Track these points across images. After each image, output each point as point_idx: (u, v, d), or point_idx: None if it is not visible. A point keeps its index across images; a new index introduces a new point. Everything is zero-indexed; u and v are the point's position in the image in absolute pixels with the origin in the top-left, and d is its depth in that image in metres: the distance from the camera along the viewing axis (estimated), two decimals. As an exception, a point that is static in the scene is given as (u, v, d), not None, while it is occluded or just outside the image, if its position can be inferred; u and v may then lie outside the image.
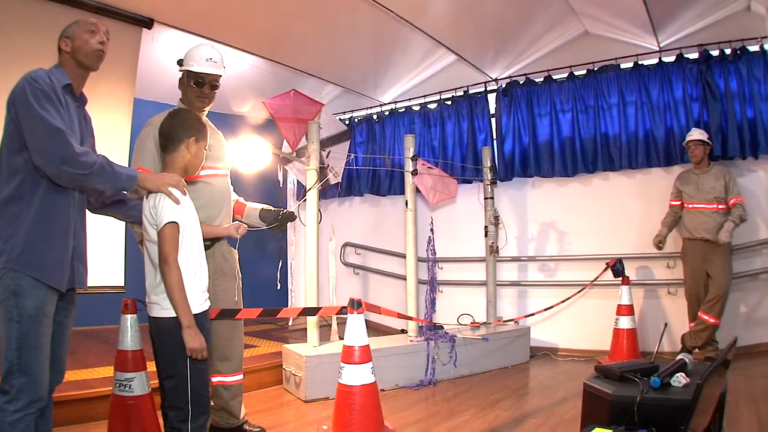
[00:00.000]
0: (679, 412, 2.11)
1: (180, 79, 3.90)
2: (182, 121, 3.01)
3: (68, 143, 2.51)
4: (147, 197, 2.81)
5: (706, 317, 6.02)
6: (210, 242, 3.82)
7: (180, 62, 3.85)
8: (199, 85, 3.81)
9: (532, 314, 7.09)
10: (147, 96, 7.28)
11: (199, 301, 2.87)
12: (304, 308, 4.61)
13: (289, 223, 4.35)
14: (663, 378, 2.68)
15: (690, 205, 6.26)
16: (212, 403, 3.89)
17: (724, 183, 6.15)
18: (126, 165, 5.59)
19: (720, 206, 6.11)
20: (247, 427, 4.11)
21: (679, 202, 6.36)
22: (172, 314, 2.73)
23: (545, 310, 6.95)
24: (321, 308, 4.69)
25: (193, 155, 3.01)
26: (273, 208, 4.27)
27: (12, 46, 5.10)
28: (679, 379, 2.70)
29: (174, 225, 2.75)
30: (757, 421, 4.15)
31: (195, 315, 2.78)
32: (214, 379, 3.94)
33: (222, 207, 3.95)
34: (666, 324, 4.07)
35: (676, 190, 6.42)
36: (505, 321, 7.10)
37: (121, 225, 6.06)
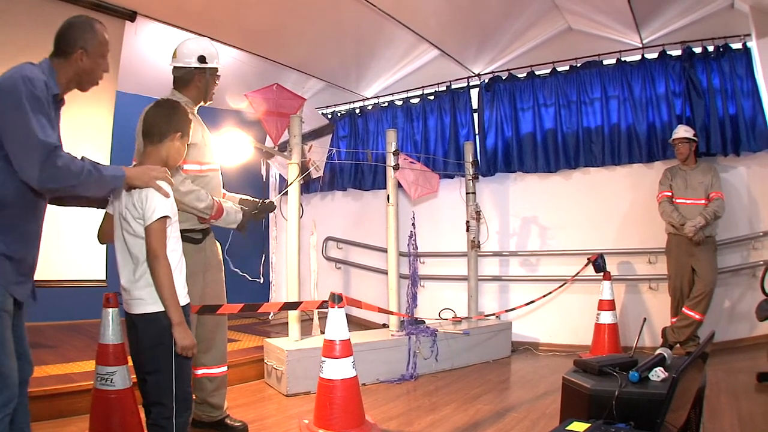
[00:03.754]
0: (658, 406, 2.12)
1: (196, 75, 3.94)
2: (172, 114, 2.96)
3: (57, 158, 2.35)
4: (128, 191, 2.73)
5: (691, 313, 6.06)
6: (201, 235, 3.84)
7: (202, 59, 3.93)
8: (217, 80, 4.10)
9: (513, 309, 7.11)
10: (129, 89, 7.22)
11: (182, 294, 2.82)
12: (284, 303, 4.62)
13: (269, 213, 4.37)
14: (641, 372, 2.69)
15: (678, 200, 6.29)
16: (194, 397, 3.89)
17: (710, 178, 6.19)
18: (108, 158, 5.59)
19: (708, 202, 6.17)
20: (228, 421, 4.10)
21: (670, 194, 6.35)
22: (158, 308, 2.69)
23: (526, 304, 6.98)
24: (301, 303, 4.68)
25: (176, 150, 2.97)
26: (251, 199, 4.29)
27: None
28: (658, 374, 2.72)
29: (164, 219, 2.71)
30: (737, 416, 4.19)
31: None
32: (199, 372, 3.94)
33: None
34: (645, 319, 4.10)
35: (667, 182, 6.40)
36: (486, 315, 7.13)
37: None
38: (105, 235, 3.00)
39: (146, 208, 2.68)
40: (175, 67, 3.94)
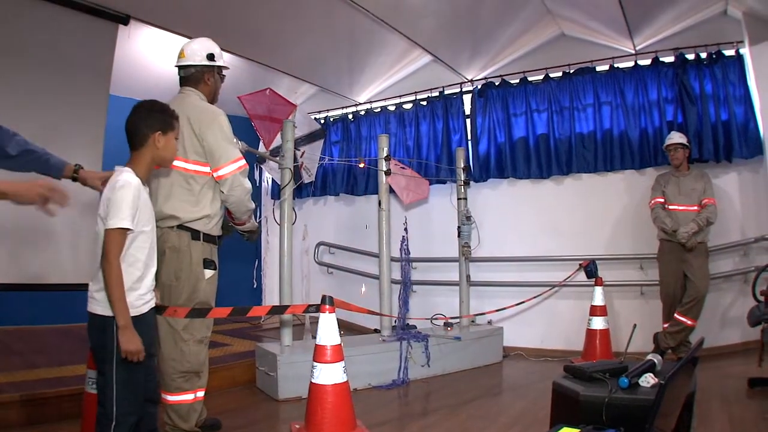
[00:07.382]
0: (647, 412, 2.12)
1: (205, 73, 4.00)
2: (147, 115, 2.93)
3: None
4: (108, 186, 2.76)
5: (683, 319, 6.07)
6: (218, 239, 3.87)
7: (211, 57, 4.00)
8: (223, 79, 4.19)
9: (503, 308, 7.12)
10: (122, 92, 7.22)
11: (147, 298, 2.84)
12: (272, 306, 4.59)
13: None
14: (631, 378, 2.69)
15: (671, 207, 6.29)
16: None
17: (703, 185, 6.21)
18: (101, 162, 5.58)
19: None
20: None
21: (663, 200, 6.34)
22: (106, 313, 2.68)
23: (516, 305, 7.03)
24: (289, 306, 4.68)
25: (162, 148, 2.94)
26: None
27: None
28: (648, 379, 2.72)
29: (125, 231, 2.70)
30: (728, 421, 4.19)
31: (142, 314, 2.78)
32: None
33: None
34: (635, 325, 4.08)
35: (659, 188, 6.39)
36: (474, 315, 7.12)
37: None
38: None
39: (112, 211, 2.68)
40: (183, 66, 3.94)
